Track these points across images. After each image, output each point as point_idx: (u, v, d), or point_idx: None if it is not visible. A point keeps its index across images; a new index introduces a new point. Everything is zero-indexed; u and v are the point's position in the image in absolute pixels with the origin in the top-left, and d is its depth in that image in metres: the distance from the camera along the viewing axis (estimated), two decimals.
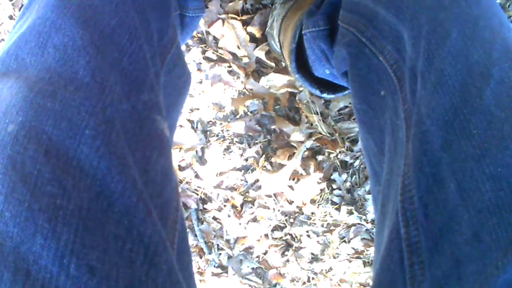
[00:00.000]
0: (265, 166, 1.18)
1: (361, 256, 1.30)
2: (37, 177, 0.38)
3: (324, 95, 0.95)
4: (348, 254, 1.29)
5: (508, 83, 0.46)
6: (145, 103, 0.50)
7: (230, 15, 1.10)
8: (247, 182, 1.21)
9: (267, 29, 1.09)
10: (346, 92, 0.96)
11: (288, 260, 1.30)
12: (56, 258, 0.36)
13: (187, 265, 0.54)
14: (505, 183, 0.41)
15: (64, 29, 0.47)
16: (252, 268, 1.32)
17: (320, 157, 1.17)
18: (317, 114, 1.12)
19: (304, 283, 1.33)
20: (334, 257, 1.29)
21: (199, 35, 1.12)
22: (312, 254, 1.29)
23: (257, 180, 1.20)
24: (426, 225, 0.45)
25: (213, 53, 1.12)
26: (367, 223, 1.24)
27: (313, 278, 1.32)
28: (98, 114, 0.43)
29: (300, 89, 1.12)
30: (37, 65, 0.45)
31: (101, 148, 0.42)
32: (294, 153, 1.15)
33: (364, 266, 1.31)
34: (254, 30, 1.10)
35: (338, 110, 1.15)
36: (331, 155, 1.17)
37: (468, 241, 0.41)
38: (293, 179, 1.18)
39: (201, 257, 1.31)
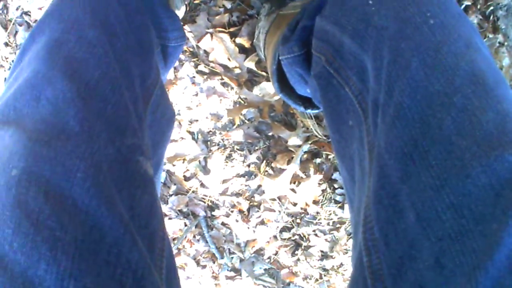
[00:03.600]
0: (267, 171, 1.21)
1: None
2: (38, 213, 0.44)
3: (309, 110, 0.97)
4: None
5: (471, 110, 0.46)
6: (128, 146, 0.55)
7: (217, 28, 1.13)
8: (251, 187, 1.24)
9: (254, 40, 1.11)
10: None
11: (298, 259, 1.33)
12: (58, 281, 0.42)
13: (176, 286, 0.59)
14: (467, 211, 0.42)
15: (54, 83, 0.52)
16: (265, 269, 1.35)
17: (318, 160, 1.19)
18: (311, 118, 1.14)
19: (316, 280, 1.36)
20: (344, 253, 1.32)
21: (191, 49, 1.15)
22: (322, 251, 1.32)
23: (261, 185, 1.23)
24: (387, 254, 0.46)
25: (205, 67, 1.15)
26: None
27: (325, 275, 1.35)
28: (87, 159, 0.49)
29: None
30: (34, 116, 0.51)
31: (91, 189, 0.47)
32: (293, 157, 1.18)
33: None
34: (243, 41, 1.13)
35: None
36: (330, 157, 1.19)
37: (430, 267, 0.43)
38: (294, 182, 1.21)
39: (214, 262, 1.35)
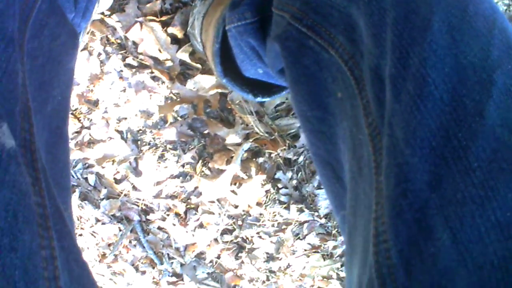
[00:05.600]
0: (203, 171, 1.12)
1: (319, 250, 1.25)
2: None
3: (259, 98, 0.85)
4: (305, 250, 1.24)
5: None
6: None
7: (148, 17, 1.02)
8: (187, 189, 1.15)
9: (188, 28, 1.01)
10: (284, 92, 0.86)
11: (243, 262, 1.25)
12: None
13: None
14: None
15: None
16: (208, 273, 1.27)
17: (260, 159, 1.10)
18: (252, 114, 1.05)
19: (263, 282, 1.28)
20: (291, 254, 1.24)
21: (118, 41, 1.04)
22: (267, 253, 1.24)
23: (197, 187, 1.13)
24: (408, 285, 0.35)
25: (133, 59, 1.04)
26: (320, 218, 1.18)
27: (272, 277, 1.28)
28: None
29: None
30: None
31: None
32: (232, 156, 1.09)
33: (324, 260, 1.26)
34: (175, 30, 1.02)
35: (275, 107, 1.08)
36: (272, 155, 1.10)
37: None
38: (235, 184, 1.12)
39: (153, 268, 1.26)
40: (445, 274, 0.33)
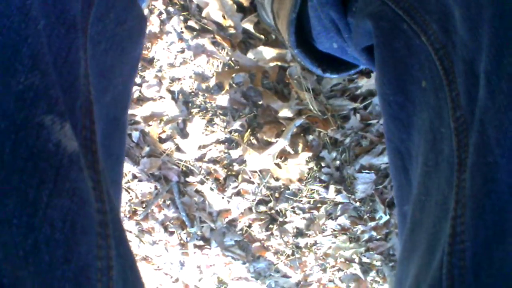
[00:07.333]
0: (250, 140, 1.12)
1: (347, 232, 1.26)
2: None
3: (327, 74, 0.85)
4: (334, 230, 1.25)
5: None
6: (20, 94, 0.32)
7: None
8: (231, 156, 1.15)
9: None
10: (353, 71, 0.85)
11: (272, 234, 1.26)
12: None
13: None
14: None
15: None
16: (235, 241, 1.28)
17: (310, 137, 1.10)
18: (309, 91, 1.05)
19: (288, 256, 1.30)
20: (320, 232, 1.25)
21: (181, 2, 1.03)
22: (297, 228, 1.25)
23: (242, 155, 1.13)
24: None
25: (195, 22, 1.03)
26: (356, 202, 1.19)
27: (297, 252, 1.29)
28: None
29: (291, 63, 1.04)
30: None
31: None
32: (282, 130, 1.09)
33: (350, 242, 1.27)
34: None
35: (331, 87, 1.07)
36: (321, 134, 1.10)
37: None
38: (280, 157, 1.12)
39: (183, 230, 1.27)
40: (509, 280, 0.33)
